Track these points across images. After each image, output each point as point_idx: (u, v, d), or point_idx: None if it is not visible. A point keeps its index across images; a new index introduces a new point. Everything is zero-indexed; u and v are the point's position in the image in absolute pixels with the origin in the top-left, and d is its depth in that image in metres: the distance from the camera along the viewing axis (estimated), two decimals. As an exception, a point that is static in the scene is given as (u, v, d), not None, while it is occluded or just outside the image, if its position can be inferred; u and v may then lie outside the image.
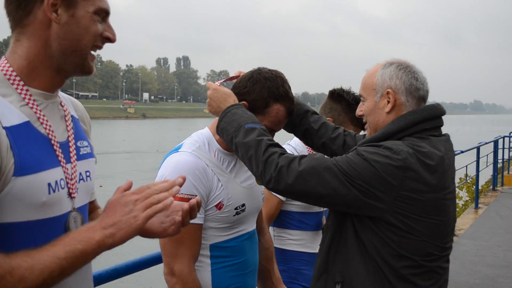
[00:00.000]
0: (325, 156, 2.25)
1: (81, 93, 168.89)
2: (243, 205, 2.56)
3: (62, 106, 1.82)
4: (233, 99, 2.45)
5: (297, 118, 2.75)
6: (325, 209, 3.37)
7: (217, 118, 2.50)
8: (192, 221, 2.11)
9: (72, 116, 1.86)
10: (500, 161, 15.73)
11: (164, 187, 1.65)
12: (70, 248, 1.50)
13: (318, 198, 2.20)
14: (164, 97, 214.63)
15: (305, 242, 3.39)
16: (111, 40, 1.76)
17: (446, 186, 2.26)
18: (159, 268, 2.77)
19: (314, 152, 3.06)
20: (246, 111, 2.38)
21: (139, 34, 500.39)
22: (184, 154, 2.45)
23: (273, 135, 2.55)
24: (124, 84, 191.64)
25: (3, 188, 1.52)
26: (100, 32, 1.72)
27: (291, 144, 3.53)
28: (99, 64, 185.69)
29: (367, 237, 2.19)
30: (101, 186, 28.79)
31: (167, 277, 2.41)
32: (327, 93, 3.67)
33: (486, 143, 13.43)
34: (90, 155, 1.89)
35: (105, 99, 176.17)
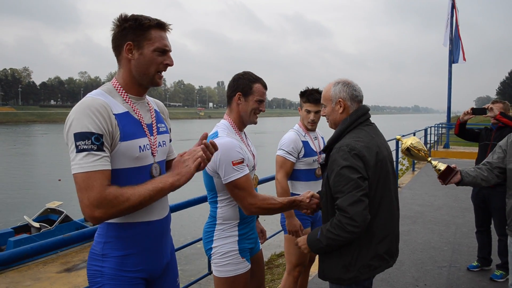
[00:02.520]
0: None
1: (171, 103, 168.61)
2: (254, 165, 2.51)
3: (148, 104, 1.83)
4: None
5: None
6: (318, 166, 3.32)
7: (226, 114, 2.50)
8: (245, 173, 2.23)
9: (155, 109, 1.86)
10: (429, 142, 15.42)
11: (201, 149, 1.71)
12: (155, 185, 1.59)
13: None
14: (222, 105, 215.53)
15: (309, 188, 3.20)
16: (170, 65, 1.75)
17: (383, 153, 2.19)
18: (204, 205, 2.82)
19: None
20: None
21: (206, 67, 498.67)
22: (225, 138, 2.31)
23: (264, 103, 2.48)
24: (197, 97, 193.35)
25: (114, 148, 1.60)
26: (161, 62, 1.71)
27: (295, 128, 3.36)
28: (182, 85, 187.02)
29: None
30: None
31: (251, 209, 2.26)
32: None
33: (419, 130, 13.45)
34: (166, 132, 1.88)
35: (186, 107, 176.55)
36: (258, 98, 2.43)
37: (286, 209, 2.41)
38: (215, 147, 1.75)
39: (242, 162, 2.27)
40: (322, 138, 3.53)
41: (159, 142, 1.80)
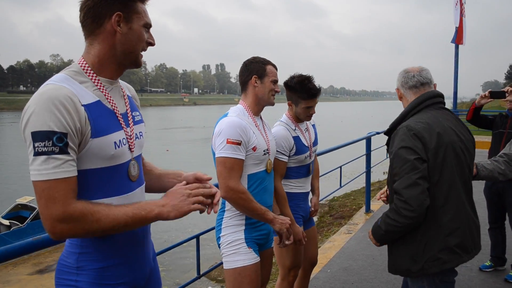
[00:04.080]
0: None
1: (153, 89, 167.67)
2: (267, 149, 2.59)
3: (122, 89, 1.72)
4: None
5: None
6: (311, 160, 3.25)
7: (239, 99, 2.70)
8: (238, 157, 2.41)
9: (128, 95, 1.76)
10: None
11: (206, 191, 1.61)
12: (137, 212, 1.48)
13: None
14: (208, 91, 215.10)
15: (300, 185, 3.20)
16: (152, 44, 1.69)
17: (450, 137, 2.22)
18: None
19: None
20: None
21: (190, 49, 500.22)
22: (233, 117, 2.50)
23: (277, 84, 2.66)
24: (181, 82, 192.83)
25: (84, 146, 1.46)
26: (146, 39, 1.66)
27: (283, 121, 3.20)
28: (164, 69, 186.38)
29: None
30: (167, 150, 29.60)
31: (225, 194, 2.40)
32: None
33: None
34: (141, 121, 1.78)
35: (169, 93, 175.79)
36: (273, 78, 2.63)
37: (260, 218, 2.52)
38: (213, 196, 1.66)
39: (239, 144, 2.43)
40: (313, 126, 3.38)
41: (136, 134, 1.68)
